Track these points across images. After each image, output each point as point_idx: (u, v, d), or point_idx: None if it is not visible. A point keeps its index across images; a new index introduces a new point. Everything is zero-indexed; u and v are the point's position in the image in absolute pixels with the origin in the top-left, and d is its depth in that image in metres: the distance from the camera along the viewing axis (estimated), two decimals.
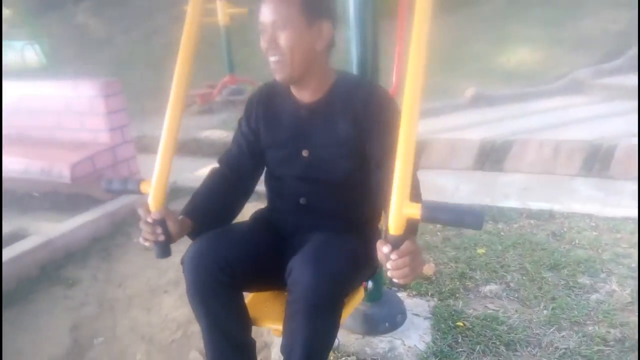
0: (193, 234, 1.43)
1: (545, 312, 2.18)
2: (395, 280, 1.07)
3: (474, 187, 3.79)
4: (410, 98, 1.10)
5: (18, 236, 3.10)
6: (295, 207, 1.52)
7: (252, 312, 1.48)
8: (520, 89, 5.82)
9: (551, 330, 2.07)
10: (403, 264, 1.04)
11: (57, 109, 3.81)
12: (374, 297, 2.15)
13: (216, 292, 1.34)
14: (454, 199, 3.50)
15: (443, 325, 2.12)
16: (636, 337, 1.97)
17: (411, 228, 1.09)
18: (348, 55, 1.83)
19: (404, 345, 2.02)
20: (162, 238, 1.31)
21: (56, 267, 2.88)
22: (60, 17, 11.39)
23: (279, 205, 1.58)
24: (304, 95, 1.45)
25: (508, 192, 3.64)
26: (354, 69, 1.83)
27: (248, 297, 1.58)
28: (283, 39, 1.31)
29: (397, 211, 1.00)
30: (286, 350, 1.29)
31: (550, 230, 2.89)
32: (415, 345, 2.02)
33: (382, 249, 1.05)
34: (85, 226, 3.16)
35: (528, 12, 7.82)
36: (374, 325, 2.09)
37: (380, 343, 2.04)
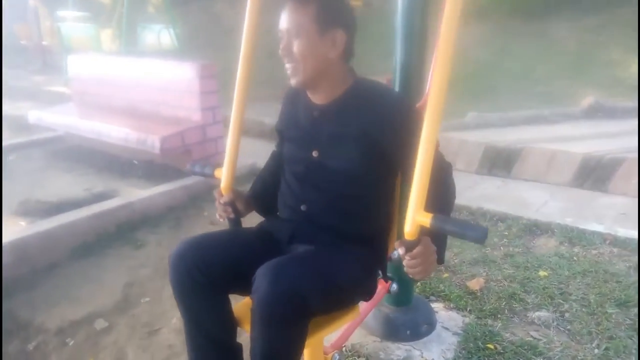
0: (259, 213, 1.67)
1: (596, 351, 1.93)
2: (410, 275, 1.20)
3: (564, 206, 3.42)
4: (432, 107, 1.11)
5: (107, 196, 3.44)
6: (295, 214, 1.51)
7: (242, 315, 1.48)
8: None
9: None
10: (415, 264, 1.15)
11: (162, 86, 4.15)
12: (400, 301, 2.06)
13: (194, 292, 1.37)
14: (536, 215, 3.20)
15: (472, 344, 1.96)
16: None
17: (428, 232, 1.15)
18: (393, 59, 1.77)
19: (422, 357, 1.91)
20: (232, 216, 1.58)
21: (131, 228, 3.14)
22: (201, 6, 12.31)
23: (282, 211, 1.59)
24: (317, 97, 1.47)
25: (603, 214, 3.23)
26: (396, 74, 1.77)
27: (242, 300, 1.58)
28: (296, 46, 1.35)
29: (412, 218, 1.10)
30: (252, 357, 1.29)
31: (633, 262, 2.54)
32: (433, 359, 1.90)
33: (399, 250, 1.16)
34: (162, 195, 3.41)
35: None
36: (394, 331, 2.00)
37: (397, 350, 1.95)
